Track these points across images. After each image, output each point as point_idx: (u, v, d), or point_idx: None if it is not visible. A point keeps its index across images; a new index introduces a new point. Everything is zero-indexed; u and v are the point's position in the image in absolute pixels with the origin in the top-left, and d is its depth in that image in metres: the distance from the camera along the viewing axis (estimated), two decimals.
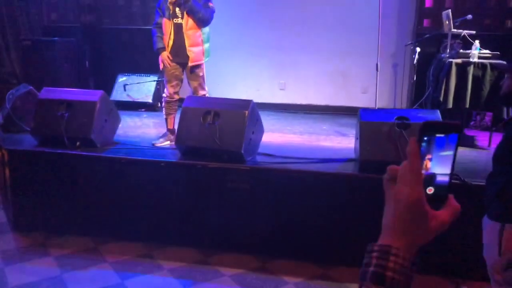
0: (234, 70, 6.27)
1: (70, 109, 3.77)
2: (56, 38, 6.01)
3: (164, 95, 4.27)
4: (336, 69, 6.17)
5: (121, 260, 3.29)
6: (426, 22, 5.82)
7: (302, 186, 3.28)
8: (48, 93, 3.98)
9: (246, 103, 3.55)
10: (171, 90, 4.18)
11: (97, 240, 3.57)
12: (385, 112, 3.47)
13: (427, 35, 5.24)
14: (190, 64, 4.09)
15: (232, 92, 6.20)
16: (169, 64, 4.10)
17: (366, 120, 3.30)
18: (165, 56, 4.10)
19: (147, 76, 6.19)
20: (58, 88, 4.15)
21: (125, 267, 3.19)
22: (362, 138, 3.25)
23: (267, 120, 4.72)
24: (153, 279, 3.06)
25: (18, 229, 3.78)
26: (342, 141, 4.40)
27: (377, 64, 4.65)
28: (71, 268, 3.15)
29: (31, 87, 4.59)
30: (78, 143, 3.74)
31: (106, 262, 3.25)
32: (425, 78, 4.97)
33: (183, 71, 4.18)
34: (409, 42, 5.51)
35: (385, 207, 0.70)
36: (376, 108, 4.81)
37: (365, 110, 3.59)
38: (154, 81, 6.12)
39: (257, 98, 5.91)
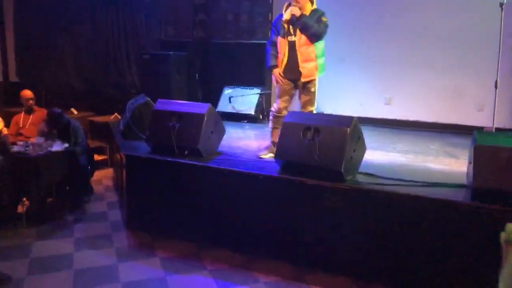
0: (337, 84, 6.18)
1: (181, 120, 4.04)
2: (170, 52, 6.50)
3: (272, 108, 4.36)
4: (448, 83, 5.75)
5: (219, 268, 3.42)
6: None
7: (405, 211, 3.10)
8: (162, 104, 4.31)
9: (348, 120, 3.47)
10: (281, 105, 4.26)
11: (198, 245, 3.76)
12: (506, 136, 3.14)
13: None
14: (302, 80, 4.15)
15: (335, 106, 6.12)
16: (281, 80, 4.20)
17: (482, 143, 3.01)
18: (277, 73, 4.21)
19: (251, 88, 6.41)
20: (171, 100, 4.47)
21: (223, 275, 3.30)
22: (477, 163, 2.97)
23: (370, 136, 4.56)
24: None
25: (130, 228, 4.15)
26: (452, 163, 4.08)
27: (496, 81, 4.23)
28: (174, 271, 3.36)
29: (148, 98, 5.02)
30: (186, 152, 3.99)
31: (206, 269, 3.40)
32: None
33: (295, 87, 4.24)
34: None
35: (505, 269, 0.63)
36: (494, 128, 4.38)
37: (480, 132, 3.29)
38: (258, 94, 6.31)
39: (360, 113, 5.81)
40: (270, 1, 6.46)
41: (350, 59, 6.11)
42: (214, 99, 6.41)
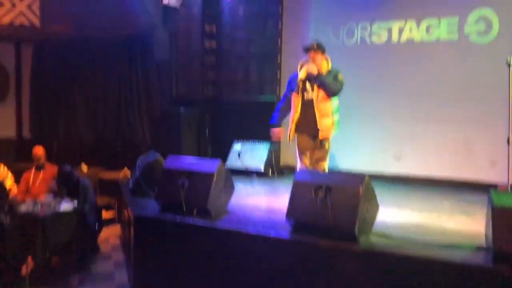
0: (346, 139, 6.16)
1: (190, 179, 3.99)
2: (182, 109, 6.62)
3: (298, 167, 4.36)
4: (459, 138, 5.70)
5: None
6: None
7: (421, 275, 2.96)
8: (172, 162, 4.29)
9: (360, 178, 3.42)
10: (307, 161, 4.27)
11: None
12: None
13: None
14: (320, 137, 4.17)
15: (344, 161, 6.08)
16: (296, 137, 4.31)
17: (500, 204, 2.92)
18: (277, 132, 4.33)
19: (260, 143, 6.42)
20: (182, 157, 4.47)
21: None
22: (496, 224, 2.87)
23: (381, 193, 4.44)
24: None
25: None
26: (469, 222, 3.96)
27: (508, 138, 4.18)
28: None
29: (159, 155, 5.03)
30: (195, 211, 3.92)
31: None
32: None
33: (313, 141, 4.27)
34: None
35: None
36: (509, 186, 4.28)
37: (497, 191, 3.21)
38: (267, 149, 6.31)
39: (370, 168, 5.76)
40: (279, 60, 6.65)
41: (357, 113, 6.13)
42: (224, 154, 6.43)
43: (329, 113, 4.17)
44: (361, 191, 3.30)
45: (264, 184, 5.77)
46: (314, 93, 4.15)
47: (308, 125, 4.21)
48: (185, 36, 7.32)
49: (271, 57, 6.71)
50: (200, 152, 6.78)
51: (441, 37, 5.77)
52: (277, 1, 6.66)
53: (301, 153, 4.30)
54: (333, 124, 4.21)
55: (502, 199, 2.98)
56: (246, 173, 6.18)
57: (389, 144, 6.07)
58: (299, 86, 4.21)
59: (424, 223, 3.96)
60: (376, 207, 3.59)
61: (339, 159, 6.01)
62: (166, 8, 7.11)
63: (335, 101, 4.28)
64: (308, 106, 4.21)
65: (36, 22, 7.76)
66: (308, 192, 3.47)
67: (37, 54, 8.17)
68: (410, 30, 5.94)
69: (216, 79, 7.22)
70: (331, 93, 4.13)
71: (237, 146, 6.53)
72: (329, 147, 4.28)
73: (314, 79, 4.14)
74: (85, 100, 7.94)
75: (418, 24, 5.87)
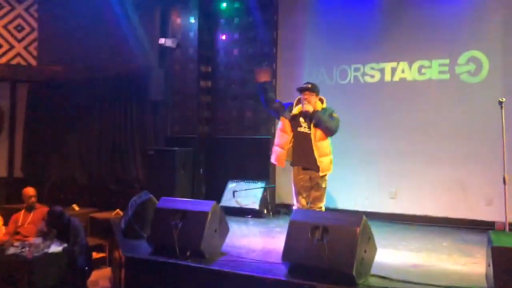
0: (342, 177, 6.13)
1: (184, 219, 3.91)
2: (176, 148, 6.60)
3: (294, 207, 4.30)
4: (454, 176, 5.68)
5: None
6: None
7: None
8: (165, 202, 4.22)
9: (358, 219, 3.37)
10: (303, 202, 4.23)
11: None
12: None
13: None
14: (320, 174, 4.14)
15: (340, 200, 6.03)
16: (296, 176, 4.25)
17: (499, 245, 2.88)
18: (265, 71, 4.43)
19: (255, 182, 6.37)
20: (175, 198, 4.40)
21: None
22: (496, 266, 2.81)
23: (378, 233, 4.37)
24: None
25: None
26: (468, 262, 3.87)
27: (504, 177, 4.17)
28: None
29: (151, 196, 4.95)
30: (188, 253, 3.82)
31: None
32: None
33: (310, 180, 4.23)
34: None
35: None
36: (507, 224, 4.23)
37: (495, 232, 3.18)
38: (262, 187, 6.25)
39: (365, 207, 5.70)
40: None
41: (353, 152, 6.12)
42: (218, 194, 6.35)
43: (328, 152, 4.20)
44: (358, 231, 3.24)
45: (259, 224, 5.66)
46: (311, 131, 4.17)
47: (307, 161, 4.18)
48: (181, 76, 7.41)
49: None
50: (194, 192, 6.70)
51: (433, 77, 5.87)
52: (272, 43, 6.80)
53: (298, 193, 4.27)
54: (330, 163, 4.22)
55: (501, 240, 2.94)
56: (241, 213, 6.09)
57: (384, 182, 6.03)
58: (291, 118, 4.23)
59: (423, 263, 3.87)
60: (374, 248, 3.52)
61: (335, 198, 5.95)
62: (162, 48, 7.24)
63: (329, 141, 4.30)
64: (301, 138, 4.21)
65: (33, 62, 7.88)
66: (304, 232, 3.41)
67: (32, 93, 8.23)
68: (403, 71, 6.04)
69: (211, 118, 7.24)
70: (328, 129, 4.14)
71: (231, 185, 6.47)
72: (326, 186, 4.25)
73: (310, 117, 4.16)
74: (79, 140, 7.92)
75: (410, 65, 5.99)
